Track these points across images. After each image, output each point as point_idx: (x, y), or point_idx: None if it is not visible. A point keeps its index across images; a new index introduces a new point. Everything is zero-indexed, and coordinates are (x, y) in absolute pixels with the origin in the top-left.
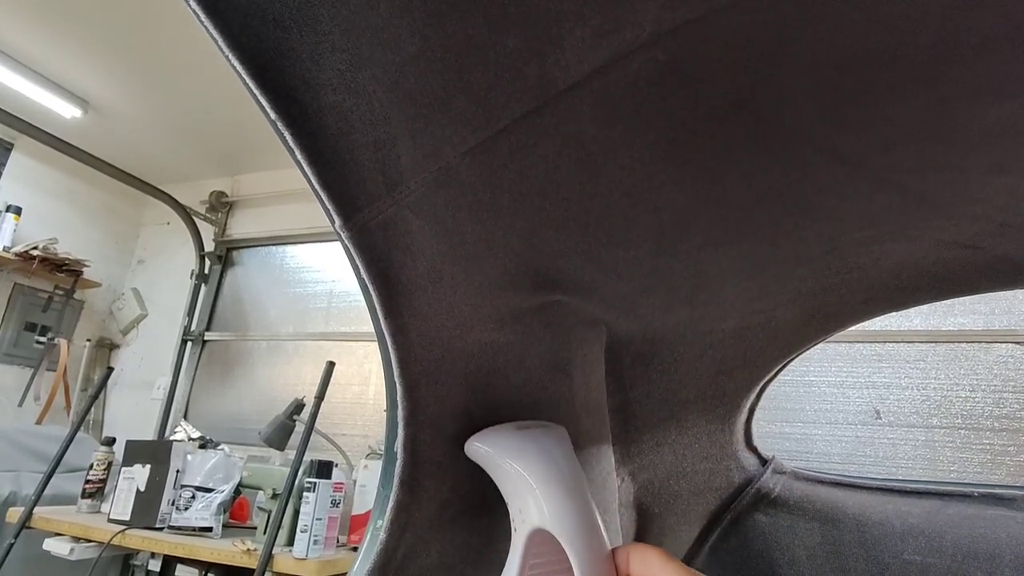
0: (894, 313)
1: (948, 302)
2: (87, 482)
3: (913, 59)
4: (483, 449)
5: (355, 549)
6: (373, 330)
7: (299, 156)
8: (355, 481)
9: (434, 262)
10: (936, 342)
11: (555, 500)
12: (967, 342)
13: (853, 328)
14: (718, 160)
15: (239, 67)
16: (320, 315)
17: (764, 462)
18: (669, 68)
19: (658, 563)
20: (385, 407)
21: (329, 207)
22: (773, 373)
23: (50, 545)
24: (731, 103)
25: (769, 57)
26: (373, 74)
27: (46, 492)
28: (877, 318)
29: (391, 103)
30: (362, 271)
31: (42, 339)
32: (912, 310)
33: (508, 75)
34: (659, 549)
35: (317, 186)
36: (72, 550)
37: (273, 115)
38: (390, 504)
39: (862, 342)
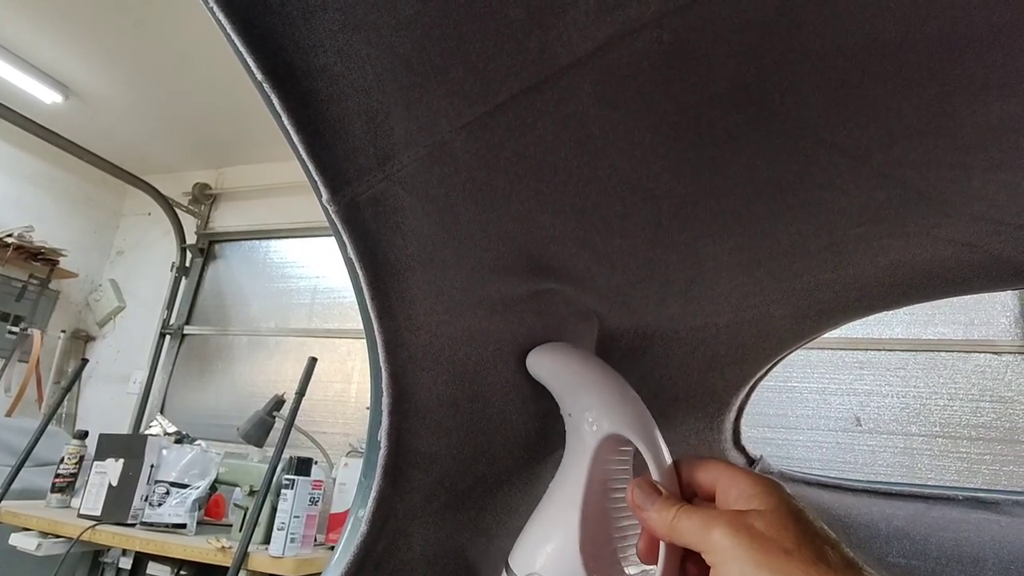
0: (876, 321)
1: (929, 311)
2: (57, 476)
3: (920, 50)
4: (549, 363)
5: (333, 548)
6: (357, 327)
7: (286, 122)
8: (335, 479)
9: (425, 243)
10: (916, 351)
11: (630, 409)
12: (946, 351)
13: (836, 335)
14: (720, 149)
15: (225, 22)
16: (303, 311)
17: (752, 462)
18: (674, 49)
19: (721, 468)
20: (368, 405)
21: (316, 179)
22: (764, 371)
23: (16, 540)
24: (736, 89)
25: (777, 43)
26: (367, 37)
27: (14, 486)
28: (859, 327)
29: (385, 69)
30: (349, 249)
31: (15, 329)
32: (894, 318)
33: (508, 47)
34: (721, 459)
35: (304, 155)
36: (39, 545)
37: (259, 76)
38: (372, 495)
39: (844, 349)
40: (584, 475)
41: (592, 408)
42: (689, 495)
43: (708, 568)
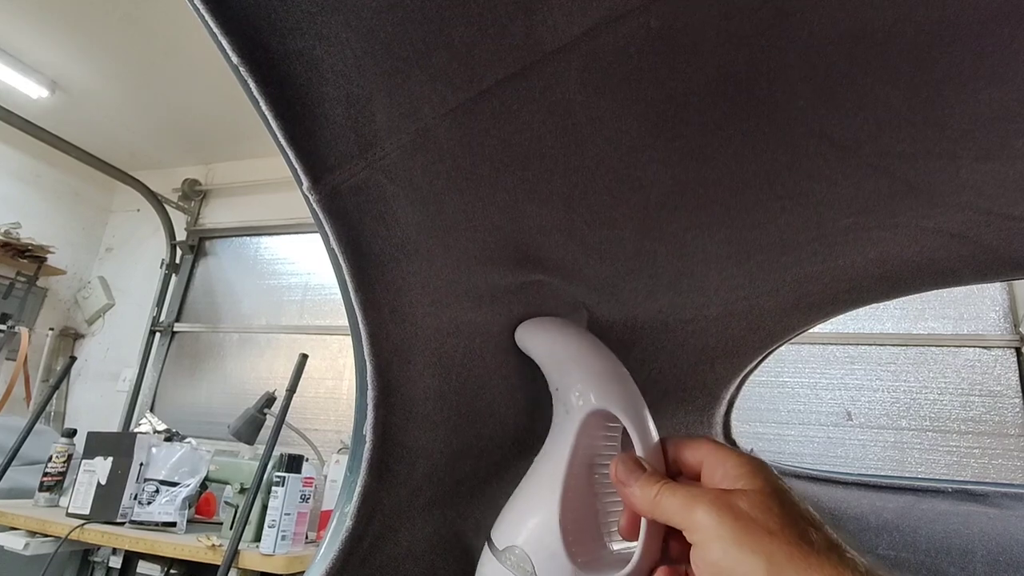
0: (867, 316)
1: (919, 306)
2: (45, 475)
3: (910, 38)
4: (538, 335)
5: None
6: (348, 324)
7: (264, 108)
8: (326, 476)
9: (409, 233)
10: (907, 345)
11: (618, 385)
12: (936, 346)
13: (827, 330)
14: (708, 138)
15: (198, 3)
16: (294, 308)
17: None
18: (661, 36)
19: (708, 446)
20: None
21: (296, 166)
22: (754, 364)
23: (4, 540)
24: (723, 78)
25: (766, 31)
26: (346, 20)
27: (1, 485)
28: (850, 322)
29: (366, 54)
30: (331, 239)
31: (2, 327)
32: (884, 313)
33: (492, 31)
34: (709, 438)
35: (284, 142)
36: (27, 545)
37: (235, 60)
38: (357, 490)
39: (835, 344)
40: (568, 450)
41: (579, 382)
42: (674, 473)
43: (690, 546)
